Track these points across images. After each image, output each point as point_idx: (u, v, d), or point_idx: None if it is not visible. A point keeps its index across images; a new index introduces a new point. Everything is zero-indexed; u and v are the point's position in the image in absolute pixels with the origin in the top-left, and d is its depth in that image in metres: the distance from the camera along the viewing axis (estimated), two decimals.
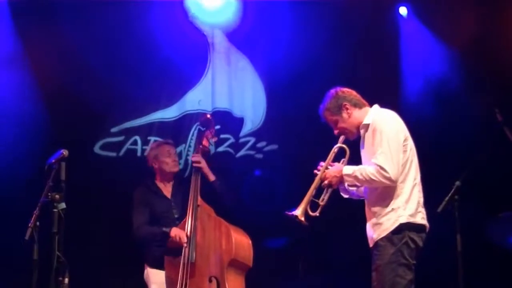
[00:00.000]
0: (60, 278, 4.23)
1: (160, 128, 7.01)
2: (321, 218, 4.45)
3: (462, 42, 6.86)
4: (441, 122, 6.90)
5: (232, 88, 7.20)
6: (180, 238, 5.25)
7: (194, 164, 5.50)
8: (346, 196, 4.61)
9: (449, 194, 4.89)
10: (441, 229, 4.71)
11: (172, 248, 5.30)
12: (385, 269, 4.20)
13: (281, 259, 6.76)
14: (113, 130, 6.96)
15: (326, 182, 4.43)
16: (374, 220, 4.34)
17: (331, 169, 4.46)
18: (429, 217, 4.41)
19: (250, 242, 5.34)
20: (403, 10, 7.21)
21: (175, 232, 5.29)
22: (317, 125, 4.73)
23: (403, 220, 4.25)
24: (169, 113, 7.06)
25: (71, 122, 6.60)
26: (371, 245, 4.37)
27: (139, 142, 6.99)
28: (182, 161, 6.81)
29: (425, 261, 4.43)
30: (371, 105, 4.55)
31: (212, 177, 5.52)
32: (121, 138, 6.97)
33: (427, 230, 4.37)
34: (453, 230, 4.90)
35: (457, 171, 5.14)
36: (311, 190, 4.44)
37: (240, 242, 5.27)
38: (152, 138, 6.97)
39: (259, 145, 7.16)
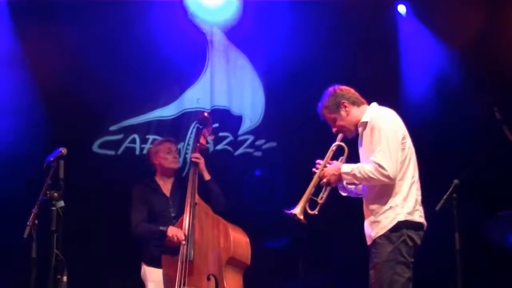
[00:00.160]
0: (59, 276, 4.23)
1: (159, 126, 7.01)
2: (320, 217, 4.45)
3: (461, 41, 6.85)
4: (440, 121, 6.90)
5: (230, 86, 7.20)
6: (177, 237, 5.26)
7: (194, 160, 5.50)
8: (344, 194, 4.61)
9: (448, 193, 4.90)
10: (439, 227, 4.72)
11: (169, 246, 5.31)
12: (383, 267, 4.20)
13: (280, 259, 6.77)
14: (112, 128, 6.97)
15: (324, 180, 4.44)
16: (372, 218, 4.34)
17: (329, 167, 4.46)
18: (428, 216, 4.42)
19: (248, 240, 5.34)
20: (401, 9, 7.21)
21: (172, 231, 5.29)
22: (316, 123, 4.73)
23: (401, 218, 4.25)
24: (168, 111, 7.07)
25: (69, 120, 6.60)
26: (369, 243, 4.37)
27: (137, 140, 7.00)
28: (180, 160, 6.80)
29: (424, 259, 4.43)
30: (369, 103, 4.55)
31: (207, 176, 5.52)
32: (119, 137, 6.98)
33: (425, 228, 4.37)
34: (451, 228, 4.90)
35: (456, 170, 5.14)
36: (310, 188, 4.44)
37: (238, 240, 5.28)
38: (151, 137, 6.98)
39: (258, 143, 7.17)
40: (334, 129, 4.54)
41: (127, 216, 5.53)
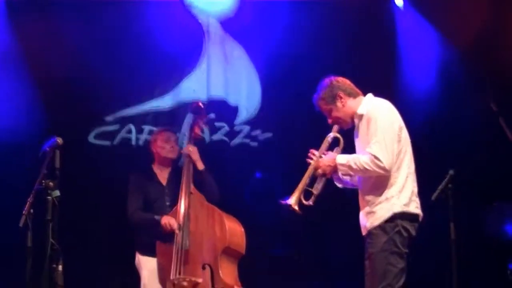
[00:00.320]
0: (54, 265, 4.25)
1: (155, 117, 7.01)
2: (316, 210, 4.46)
3: (460, 32, 6.83)
4: (436, 112, 6.90)
5: (227, 77, 7.20)
6: (170, 226, 5.27)
7: (185, 151, 5.51)
8: (340, 185, 4.61)
9: (443, 183, 4.91)
10: (434, 217, 4.72)
11: (163, 235, 5.32)
12: (377, 257, 4.21)
13: (280, 259, 6.78)
14: (108, 119, 6.96)
15: (320, 171, 4.44)
16: (367, 208, 4.35)
17: (325, 158, 4.46)
18: (423, 206, 4.43)
19: (243, 229, 5.35)
20: (399, 1, 7.19)
21: (165, 220, 5.31)
22: (312, 114, 4.73)
23: (397, 209, 4.26)
24: (164, 102, 7.06)
25: (65, 111, 6.59)
26: (364, 233, 4.38)
27: (133, 130, 7.00)
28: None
29: (419, 249, 4.44)
30: (365, 94, 4.55)
31: (201, 166, 5.52)
32: (115, 127, 6.97)
33: (421, 219, 4.38)
34: (446, 218, 4.91)
35: (452, 161, 5.15)
36: (305, 179, 4.44)
37: (234, 229, 5.29)
38: (147, 127, 6.98)
39: (254, 133, 7.16)
40: (330, 121, 4.54)
41: (122, 206, 5.55)
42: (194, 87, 7.12)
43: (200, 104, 5.77)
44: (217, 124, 7.10)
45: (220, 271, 5.14)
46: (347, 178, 4.53)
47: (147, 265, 5.47)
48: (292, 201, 4.37)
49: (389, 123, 4.31)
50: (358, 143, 4.47)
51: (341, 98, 4.48)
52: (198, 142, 5.65)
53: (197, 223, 5.31)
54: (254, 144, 7.16)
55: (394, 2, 7.19)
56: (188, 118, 6.62)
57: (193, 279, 5.16)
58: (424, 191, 4.55)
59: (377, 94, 4.57)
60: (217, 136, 7.13)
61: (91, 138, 6.90)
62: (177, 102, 7.08)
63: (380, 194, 4.28)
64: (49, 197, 4.26)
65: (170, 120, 6.95)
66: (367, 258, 4.28)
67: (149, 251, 5.45)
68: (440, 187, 4.89)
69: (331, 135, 4.54)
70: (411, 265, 4.32)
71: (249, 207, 6.53)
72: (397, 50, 7.16)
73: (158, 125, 6.60)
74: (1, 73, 6.59)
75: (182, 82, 7.11)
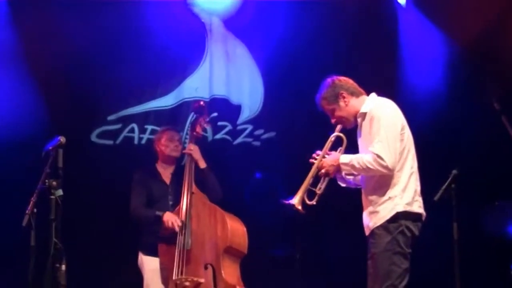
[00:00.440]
0: (57, 265, 4.25)
1: (158, 116, 7.01)
2: (318, 210, 4.46)
3: (462, 32, 6.82)
4: (439, 112, 6.89)
5: (229, 76, 7.19)
6: (172, 223, 5.27)
7: (186, 151, 5.52)
8: (343, 184, 4.61)
9: (446, 183, 4.90)
10: (437, 217, 4.72)
11: (166, 234, 5.32)
12: (381, 257, 4.20)
13: (280, 259, 6.78)
14: (110, 118, 6.96)
15: (323, 171, 4.43)
16: (371, 208, 4.34)
17: (328, 158, 4.46)
18: (426, 206, 4.42)
19: (245, 229, 5.35)
20: None
21: (167, 217, 5.31)
22: (315, 113, 4.72)
23: (400, 208, 4.25)
24: (167, 101, 7.06)
25: (68, 110, 6.60)
26: (367, 233, 4.37)
27: (136, 130, 7.00)
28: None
29: (422, 249, 4.44)
30: (368, 94, 4.55)
31: (202, 165, 5.53)
32: (118, 126, 6.97)
33: (424, 218, 4.38)
34: (449, 218, 4.91)
35: (455, 160, 5.14)
36: (308, 179, 4.43)
37: (236, 229, 5.29)
38: (149, 127, 6.98)
39: (257, 132, 7.16)
40: (333, 120, 4.53)
41: (125, 205, 5.55)
42: (196, 86, 7.12)
43: (202, 103, 5.77)
44: (220, 123, 7.10)
45: (222, 271, 5.14)
46: (350, 177, 4.53)
47: (149, 265, 5.47)
48: (295, 201, 4.37)
49: (392, 122, 4.31)
50: (361, 142, 4.46)
51: (343, 97, 4.47)
52: (200, 141, 5.65)
53: (199, 222, 5.31)
54: (257, 143, 7.16)
55: (396, 0, 7.18)
56: (191, 117, 6.62)
57: (195, 279, 5.17)
58: (427, 191, 4.54)
59: (379, 93, 4.56)
60: (219, 135, 7.12)
61: (93, 137, 6.90)
62: (179, 101, 7.08)
63: (383, 194, 4.28)
64: (52, 197, 4.27)
65: (172, 119, 6.95)
66: (370, 258, 4.27)
67: (152, 251, 5.45)
68: (443, 187, 4.89)
69: (334, 134, 4.54)
70: (413, 264, 4.31)
71: (250, 207, 6.52)
72: (399, 49, 7.15)
73: (161, 125, 6.58)
74: (3, 73, 6.59)
75: (184, 81, 7.11)
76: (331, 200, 4.64)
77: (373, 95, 4.53)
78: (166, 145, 5.67)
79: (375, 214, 4.30)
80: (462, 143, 6.51)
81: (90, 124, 6.91)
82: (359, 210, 4.48)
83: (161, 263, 5.39)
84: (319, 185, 4.46)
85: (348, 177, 4.52)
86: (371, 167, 4.22)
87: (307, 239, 6.57)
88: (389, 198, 4.27)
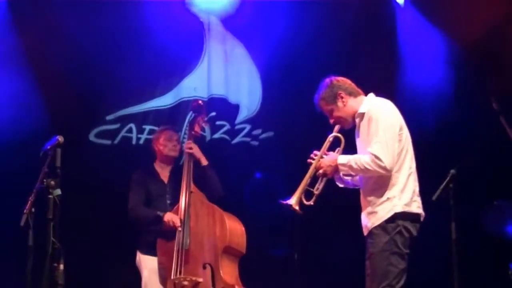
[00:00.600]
0: (55, 264, 4.26)
1: (156, 116, 7.00)
2: (317, 210, 4.46)
3: (460, 31, 6.82)
4: (437, 111, 6.90)
5: (228, 75, 7.19)
6: (173, 223, 5.27)
7: (186, 150, 5.51)
8: (341, 185, 4.61)
9: (444, 182, 4.90)
10: (436, 217, 4.72)
11: (164, 234, 5.32)
12: (378, 257, 4.21)
13: (280, 259, 6.78)
14: (109, 117, 6.95)
15: (321, 171, 4.43)
16: (369, 209, 4.34)
17: (326, 158, 4.46)
18: (424, 205, 4.42)
19: (244, 228, 5.36)
20: None
21: (168, 217, 5.31)
22: (313, 113, 4.72)
23: (398, 209, 4.25)
24: (165, 101, 7.06)
25: (66, 109, 6.59)
26: (365, 233, 4.37)
27: (134, 130, 6.99)
28: None
29: (420, 249, 4.44)
30: (366, 94, 4.55)
31: (204, 162, 5.54)
32: (116, 126, 6.97)
33: (423, 219, 4.38)
34: (447, 218, 4.91)
35: (453, 160, 5.14)
36: (306, 179, 4.43)
37: (234, 228, 5.29)
38: (148, 127, 6.98)
39: (255, 132, 7.16)
40: (331, 120, 4.53)
41: (123, 205, 5.55)
42: (195, 86, 7.12)
43: (201, 102, 5.78)
44: (218, 122, 7.10)
45: (220, 271, 5.14)
46: (348, 178, 4.53)
47: (148, 264, 5.48)
48: (293, 201, 4.37)
49: (390, 123, 4.30)
50: (359, 142, 4.46)
51: (342, 97, 4.47)
52: (198, 140, 5.66)
53: (197, 222, 5.31)
54: (255, 143, 7.15)
55: (395, 0, 7.18)
56: (189, 116, 6.62)
57: (193, 278, 5.17)
58: (425, 191, 4.54)
59: (378, 93, 4.57)
60: (217, 135, 7.12)
61: (92, 137, 6.90)
62: (178, 100, 7.07)
63: (381, 194, 4.28)
64: (50, 196, 4.27)
65: (171, 119, 6.94)
66: (368, 258, 4.28)
67: (150, 250, 5.45)
68: (441, 186, 4.89)
69: (332, 135, 4.53)
70: (411, 264, 4.31)
71: (249, 206, 6.52)
72: (398, 49, 7.14)
73: (159, 124, 6.58)
74: (2, 72, 6.58)
75: (183, 80, 7.11)
76: (330, 200, 4.64)
77: (371, 95, 4.53)
78: (165, 144, 5.68)
79: (374, 215, 4.30)
80: (460, 142, 6.51)
81: (89, 123, 6.90)
82: (358, 210, 4.48)
83: (160, 262, 5.40)
84: (316, 186, 4.45)
85: (346, 177, 4.52)
86: (369, 167, 4.22)
87: (306, 239, 6.57)
88: (388, 199, 4.27)
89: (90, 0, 6.70)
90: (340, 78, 4.54)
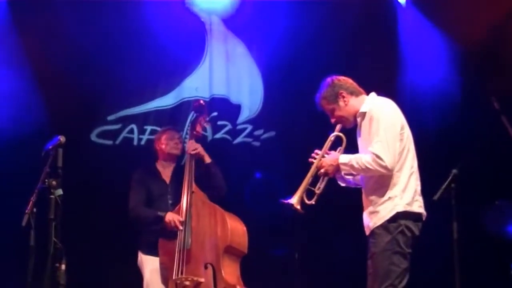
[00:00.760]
0: (57, 264, 4.25)
1: (157, 116, 7.00)
2: (318, 209, 4.46)
3: (462, 31, 6.82)
4: (438, 111, 6.90)
5: (229, 75, 7.19)
6: (175, 223, 5.27)
7: (192, 152, 5.51)
8: (343, 184, 4.60)
9: (446, 182, 4.89)
10: (437, 217, 4.72)
11: (166, 233, 5.32)
12: (380, 257, 4.20)
13: (280, 259, 6.78)
14: (110, 118, 6.96)
15: (322, 170, 4.43)
16: (371, 208, 4.34)
17: (327, 158, 4.45)
18: (426, 205, 4.42)
19: (245, 228, 5.35)
20: None
21: (170, 217, 5.31)
22: (314, 113, 4.72)
23: (400, 209, 4.24)
24: (166, 101, 7.06)
25: (68, 109, 6.59)
26: (367, 233, 4.36)
27: (135, 130, 6.99)
28: None
29: (421, 249, 4.43)
30: (368, 93, 4.55)
31: (208, 159, 5.55)
32: (118, 126, 6.97)
33: (424, 218, 4.38)
34: (449, 218, 4.91)
35: (455, 160, 5.14)
36: (307, 179, 4.43)
37: (235, 228, 5.28)
38: (149, 127, 6.98)
39: (256, 133, 7.16)
40: (332, 120, 4.53)
41: (124, 205, 5.55)
42: (196, 86, 7.12)
43: (202, 102, 5.78)
44: (220, 122, 7.10)
45: (222, 271, 5.14)
46: (349, 177, 4.52)
47: (149, 265, 5.47)
48: (294, 200, 4.36)
49: (391, 122, 4.30)
50: (360, 142, 4.46)
51: (343, 97, 4.47)
52: (199, 140, 5.66)
53: (199, 222, 5.31)
54: (257, 143, 7.15)
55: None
56: (191, 117, 6.63)
57: (195, 278, 5.16)
58: (427, 190, 4.54)
59: (379, 92, 4.56)
60: (219, 135, 7.12)
61: (93, 137, 6.90)
62: (179, 100, 7.07)
63: (383, 194, 4.27)
64: (52, 196, 4.27)
65: (172, 119, 6.95)
66: (370, 258, 4.27)
67: (152, 251, 5.45)
68: (443, 186, 4.89)
69: (334, 134, 4.53)
70: (413, 264, 4.31)
71: (249, 206, 6.52)
72: (399, 48, 7.14)
73: (161, 125, 6.59)
74: (4, 72, 6.59)
75: (184, 80, 7.11)
76: (330, 200, 4.63)
77: (372, 94, 4.53)
78: (166, 143, 5.69)
79: (375, 214, 4.29)
80: (461, 142, 6.50)
81: (90, 123, 6.90)
82: (359, 210, 4.48)
83: (161, 263, 5.39)
84: (318, 185, 4.45)
85: (347, 177, 4.51)
86: (370, 167, 4.22)
87: (306, 239, 6.57)
88: (389, 198, 4.27)
89: (91, 0, 6.70)
90: (342, 78, 4.54)
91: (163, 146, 5.69)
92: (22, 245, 4.37)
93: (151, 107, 7.03)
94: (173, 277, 5.20)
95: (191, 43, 7.10)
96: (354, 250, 5.02)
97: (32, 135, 6.27)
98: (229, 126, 7.15)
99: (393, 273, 4.18)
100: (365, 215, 4.41)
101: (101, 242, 6.52)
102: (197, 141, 5.60)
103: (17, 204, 4.54)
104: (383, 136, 4.23)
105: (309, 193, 4.43)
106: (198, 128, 5.64)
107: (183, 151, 5.78)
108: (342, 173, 4.44)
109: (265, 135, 7.17)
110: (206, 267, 5.19)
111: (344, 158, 4.36)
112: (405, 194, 4.27)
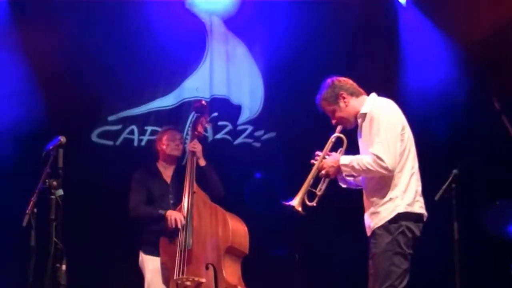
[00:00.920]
0: (58, 265, 4.25)
1: (158, 117, 7.00)
2: (319, 210, 4.46)
3: (462, 31, 6.82)
4: (439, 111, 6.89)
5: (230, 75, 7.19)
6: (176, 220, 5.26)
7: (190, 148, 5.52)
8: (344, 185, 4.60)
9: (447, 182, 4.89)
10: (438, 217, 4.72)
11: (167, 234, 5.32)
12: (381, 257, 4.21)
13: (280, 259, 6.78)
14: (111, 118, 6.96)
15: (323, 172, 4.43)
16: (372, 209, 4.34)
17: (328, 159, 4.45)
18: (427, 205, 4.42)
19: (246, 229, 5.36)
20: None
21: (170, 214, 5.31)
22: (315, 114, 4.72)
23: (401, 209, 4.25)
24: (167, 101, 7.06)
25: (69, 109, 6.59)
26: (368, 234, 4.37)
27: (136, 131, 6.99)
28: None
29: (422, 249, 4.44)
30: (368, 94, 4.54)
31: (202, 163, 5.55)
32: (118, 127, 6.97)
33: (425, 218, 4.38)
34: (450, 218, 4.91)
35: (455, 160, 5.14)
36: (309, 180, 4.43)
37: (237, 229, 5.29)
38: (149, 128, 6.98)
39: (257, 133, 7.16)
40: (333, 121, 4.53)
41: (125, 205, 5.56)
42: (197, 86, 7.12)
43: (203, 102, 5.79)
44: (220, 123, 7.10)
45: (223, 271, 5.15)
46: (350, 178, 4.52)
47: (150, 265, 5.48)
48: (295, 202, 4.36)
49: (392, 123, 4.30)
50: (361, 143, 4.46)
51: (343, 98, 4.47)
52: (200, 140, 5.67)
53: (200, 222, 5.31)
54: (257, 144, 7.15)
55: None
56: (192, 117, 6.63)
57: (196, 279, 5.17)
58: (428, 191, 4.54)
59: (379, 93, 4.56)
60: (220, 135, 7.12)
61: (94, 137, 6.90)
62: (180, 101, 7.07)
63: (384, 195, 4.28)
64: (52, 196, 4.27)
65: (173, 119, 6.94)
66: (371, 258, 4.28)
67: (153, 251, 5.46)
68: (443, 186, 4.88)
69: (335, 135, 4.53)
70: (414, 264, 4.31)
71: (250, 207, 6.52)
72: (400, 48, 7.14)
73: (161, 125, 6.59)
74: (4, 72, 6.58)
75: (185, 81, 7.11)
76: (331, 201, 4.63)
77: (373, 95, 4.53)
78: (167, 144, 5.69)
79: (376, 215, 4.30)
80: (462, 143, 6.50)
81: (91, 124, 6.90)
82: (360, 210, 4.48)
83: (162, 263, 5.40)
84: (319, 186, 4.46)
85: (348, 178, 4.51)
86: (371, 168, 4.22)
87: (307, 240, 6.57)
88: (390, 199, 4.27)
89: (92, 0, 6.69)
90: (342, 78, 4.54)
91: (164, 147, 5.69)
92: (22, 245, 4.37)
93: (151, 107, 7.03)
94: (174, 277, 5.21)
95: (191, 43, 7.10)
96: (354, 251, 5.03)
97: (33, 135, 6.27)
98: (229, 127, 7.15)
99: (394, 273, 4.18)
100: (366, 216, 4.41)
101: (102, 242, 6.52)
102: (198, 141, 5.60)
103: (18, 204, 4.54)
104: (383, 137, 4.23)
105: (310, 195, 4.44)
106: (200, 129, 5.65)
107: (184, 152, 5.78)
108: (343, 174, 4.44)
109: (266, 136, 7.17)
110: (207, 268, 5.20)
111: (345, 159, 4.36)
112: (406, 195, 4.28)
